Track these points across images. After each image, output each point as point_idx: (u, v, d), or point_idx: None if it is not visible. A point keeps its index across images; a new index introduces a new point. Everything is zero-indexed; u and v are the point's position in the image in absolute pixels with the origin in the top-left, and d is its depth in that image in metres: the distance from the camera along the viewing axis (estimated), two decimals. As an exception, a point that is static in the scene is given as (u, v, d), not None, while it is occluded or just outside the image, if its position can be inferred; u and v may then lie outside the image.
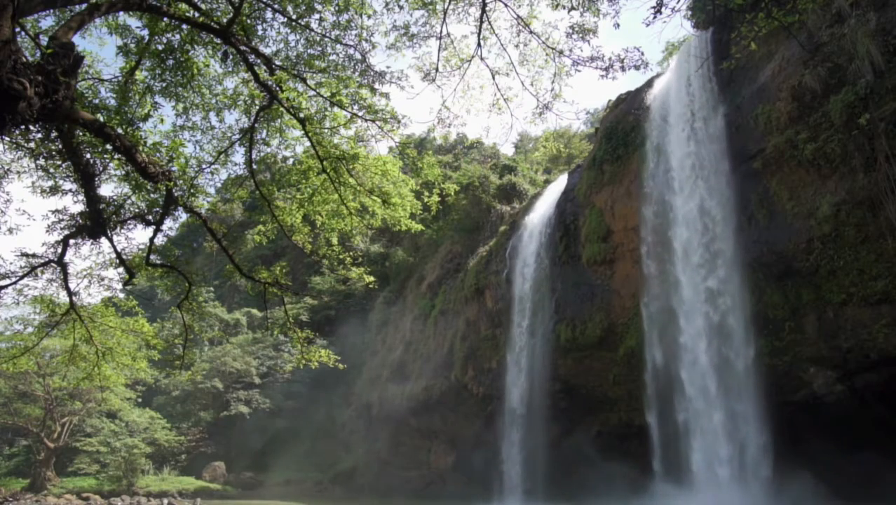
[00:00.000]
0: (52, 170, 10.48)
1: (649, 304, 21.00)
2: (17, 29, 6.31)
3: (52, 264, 12.08)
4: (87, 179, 9.62)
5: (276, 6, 10.30)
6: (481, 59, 10.60)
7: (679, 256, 20.05)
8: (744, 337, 17.70)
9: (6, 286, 12.34)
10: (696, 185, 20.01)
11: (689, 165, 20.40)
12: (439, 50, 10.73)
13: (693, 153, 20.29)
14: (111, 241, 11.15)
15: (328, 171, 11.39)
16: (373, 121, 10.84)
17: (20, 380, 39.45)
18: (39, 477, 39.69)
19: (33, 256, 12.04)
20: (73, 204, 12.76)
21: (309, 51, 11.02)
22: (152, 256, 12.28)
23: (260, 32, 10.67)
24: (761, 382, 17.06)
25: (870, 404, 15.92)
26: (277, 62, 10.67)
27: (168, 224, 12.01)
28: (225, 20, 9.77)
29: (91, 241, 11.48)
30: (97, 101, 9.95)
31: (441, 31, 10.51)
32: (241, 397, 45.29)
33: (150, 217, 10.91)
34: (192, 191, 10.87)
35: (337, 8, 10.39)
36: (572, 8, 9.46)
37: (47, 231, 11.14)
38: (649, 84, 23.93)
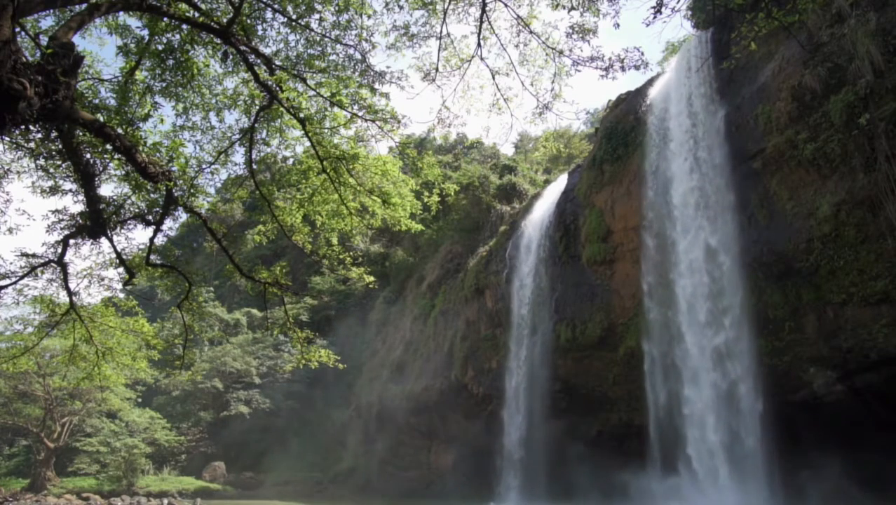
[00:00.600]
0: (52, 170, 10.49)
1: (651, 350, 20.16)
2: (17, 29, 6.30)
3: (52, 264, 12.08)
4: (87, 179, 9.62)
5: (276, 6, 10.30)
6: (481, 59, 10.60)
7: (683, 308, 18.97)
8: (752, 401, 16.91)
9: (6, 286, 12.34)
10: (701, 225, 18.77)
11: (693, 203, 19.11)
12: (439, 50, 10.73)
13: (697, 188, 19.04)
14: (111, 241, 11.15)
15: (328, 171, 11.39)
16: (373, 121, 10.84)
17: (20, 380, 39.46)
18: (39, 477, 39.69)
19: (33, 256, 12.04)
20: (73, 204, 12.78)
21: (309, 51, 11.02)
22: (152, 256, 12.29)
23: (260, 32, 10.68)
24: (770, 457, 16.36)
25: (870, 404, 15.91)
26: (277, 62, 10.66)
27: (168, 224, 12.02)
28: (225, 20, 9.76)
29: (91, 241, 11.49)
30: (97, 101, 9.96)
31: (441, 31, 10.52)
32: (241, 397, 45.29)
33: (150, 217, 10.91)
34: (192, 191, 10.88)
35: (337, 8, 10.39)
36: (572, 8, 9.46)
37: (47, 231, 11.15)
38: (649, 85, 23.87)
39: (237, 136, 12.15)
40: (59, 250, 11.57)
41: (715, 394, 17.82)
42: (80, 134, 8.88)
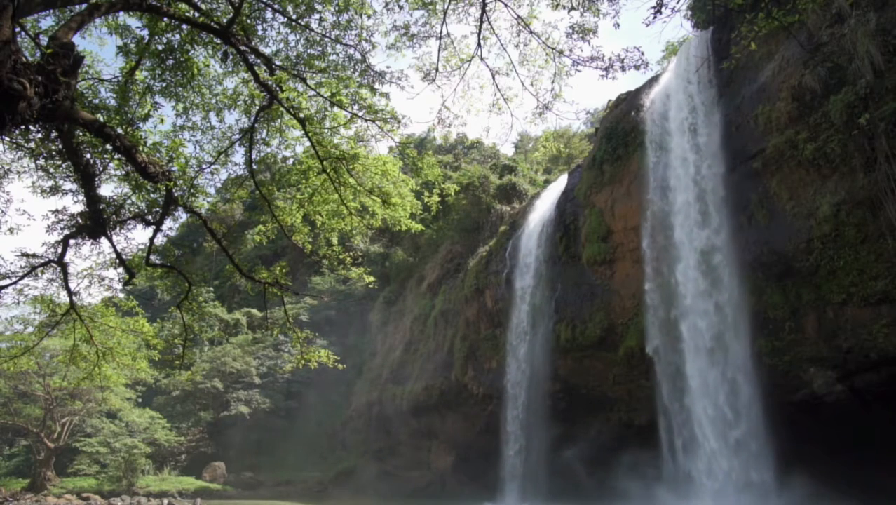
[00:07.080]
0: (52, 170, 10.50)
1: (656, 350, 19.96)
2: (17, 29, 6.30)
3: (52, 264, 12.08)
4: (87, 179, 9.63)
5: (276, 6, 10.30)
6: (481, 59, 10.60)
7: (682, 309, 18.73)
8: (753, 402, 16.65)
9: (6, 286, 12.34)
10: (701, 225, 18.49)
11: (693, 203, 18.82)
12: (439, 50, 10.73)
13: (697, 188, 18.69)
14: (111, 241, 11.15)
15: (328, 171, 11.40)
16: (373, 121, 10.84)
17: (20, 380, 39.44)
18: (39, 477, 39.68)
19: (33, 255, 12.04)
20: (73, 204, 12.83)
21: (309, 51, 11.02)
22: (152, 256, 12.29)
23: (260, 32, 10.68)
24: (771, 457, 16.06)
25: (870, 404, 15.91)
26: (277, 62, 10.66)
27: (168, 224, 12.04)
28: (225, 20, 9.77)
29: (91, 241, 11.49)
30: (97, 101, 9.97)
31: (441, 31, 10.52)
32: (241, 397, 45.29)
33: (150, 217, 10.92)
34: (192, 191, 10.89)
35: (337, 8, 10.39)
36: (572, 8, 9.46)
37: (47, 231, 11.16)
38: (649, 85, 23.84)
39: (237, 136, 12.15)
40: (59, 250, 11.58)
41: (715, 394, 17.78)
42: (80, 134, 8.89)
